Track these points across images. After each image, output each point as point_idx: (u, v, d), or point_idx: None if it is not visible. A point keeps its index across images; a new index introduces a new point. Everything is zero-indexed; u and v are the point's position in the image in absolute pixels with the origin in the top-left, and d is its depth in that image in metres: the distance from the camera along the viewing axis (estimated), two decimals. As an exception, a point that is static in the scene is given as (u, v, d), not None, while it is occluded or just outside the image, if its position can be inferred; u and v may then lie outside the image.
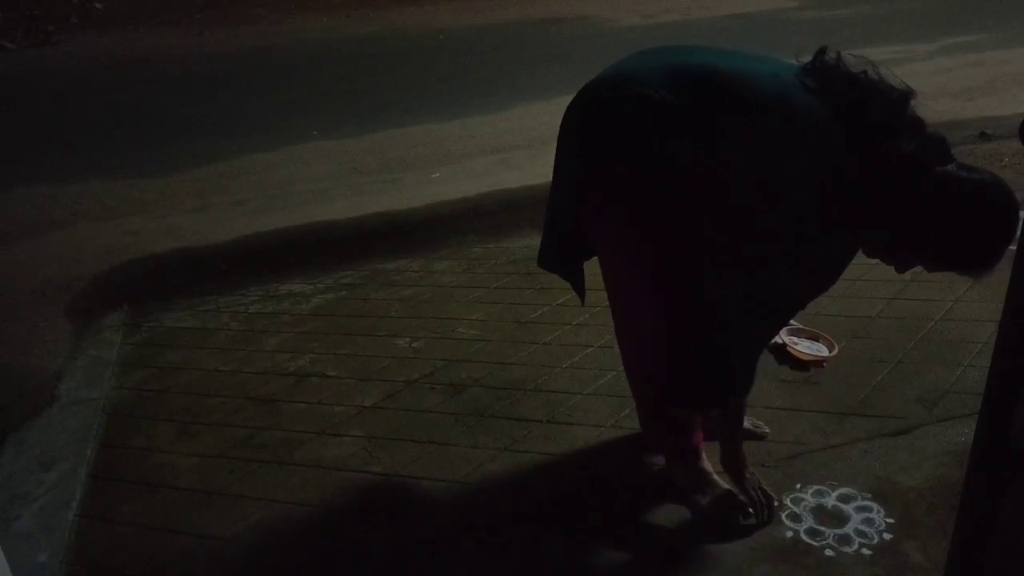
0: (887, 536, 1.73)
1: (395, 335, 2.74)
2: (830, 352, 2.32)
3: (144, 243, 3.65)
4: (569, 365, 2.46)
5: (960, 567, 1.13)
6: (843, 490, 1.86)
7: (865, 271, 2.90)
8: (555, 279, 2.95)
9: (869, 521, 1.77)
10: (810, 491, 1.87)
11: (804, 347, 2.30)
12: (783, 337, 2.26)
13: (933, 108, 5.11)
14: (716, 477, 1.84)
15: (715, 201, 1.52)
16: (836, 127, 1.47)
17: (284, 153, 4.94)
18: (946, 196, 1.48)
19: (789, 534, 1.75)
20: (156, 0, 10.49)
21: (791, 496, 1.85)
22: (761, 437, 2.03)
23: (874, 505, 1.81)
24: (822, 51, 1.55)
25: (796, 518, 1.79)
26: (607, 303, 2.69)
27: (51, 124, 5.91)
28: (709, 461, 1.87)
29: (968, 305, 2.61)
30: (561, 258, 1.83)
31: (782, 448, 2.01)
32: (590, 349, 2.53)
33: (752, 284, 1.56)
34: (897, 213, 1.51)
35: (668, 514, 1.82)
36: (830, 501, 1.83)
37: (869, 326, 2.55)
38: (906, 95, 1.50)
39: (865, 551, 1.69)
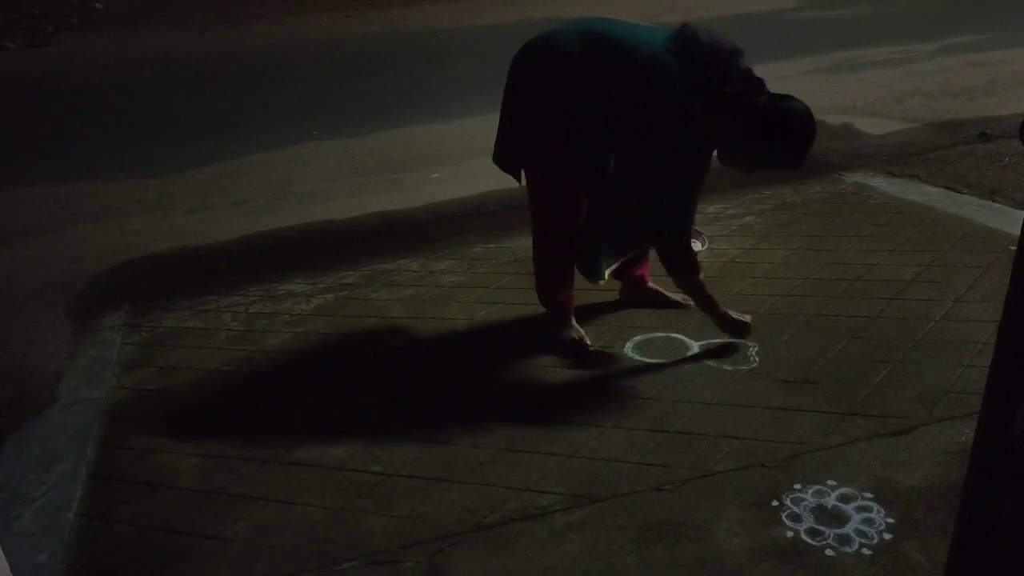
0: (887, 536, 1.73)
1: (395, 335, 2.74)
2: (702, 247, 2.85)
3: (144, 243, 3.66)
4: (568, 365, 2.46)
5: (960, 567, 1.13)
6: (843, 490, 1.86)
7: (865, 271, 2.90)
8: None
9: (869, 521, 1.77)
10: (810, 491, 1.87)
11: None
12: None
13: (933, 108, 5.12)
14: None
15: (600, 126, 2.24)
16: (684, 79, 2.13)
17: (284, 153, 4.94)
18: (759, 119, 2.14)
19: (789, 534, 1.75)
20: (156, 0, 10.50)
21: (791, 496, 1.85)
22: (685, 306, 2.70)
23: (874, 505, 1.81)
24: (684, 25, 2.20)
25: (796, 518, 1.79)
26: (605, 304, 2.69)
27: (51, 124, 5.92)
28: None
29: (968, 305, 2.61)
30: (508, 162, 2.48)
31: (782, 448, 2.02)
32: (589, 349, 2.53)
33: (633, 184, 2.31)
34: (726, 130, 2.18)
35: (670, 514, 1.83)
36: (830, 501, 1.83)
37: (869, 326, 2.55)
38: (737, 52, 2.18)
39: (865, 551, 1.69)
